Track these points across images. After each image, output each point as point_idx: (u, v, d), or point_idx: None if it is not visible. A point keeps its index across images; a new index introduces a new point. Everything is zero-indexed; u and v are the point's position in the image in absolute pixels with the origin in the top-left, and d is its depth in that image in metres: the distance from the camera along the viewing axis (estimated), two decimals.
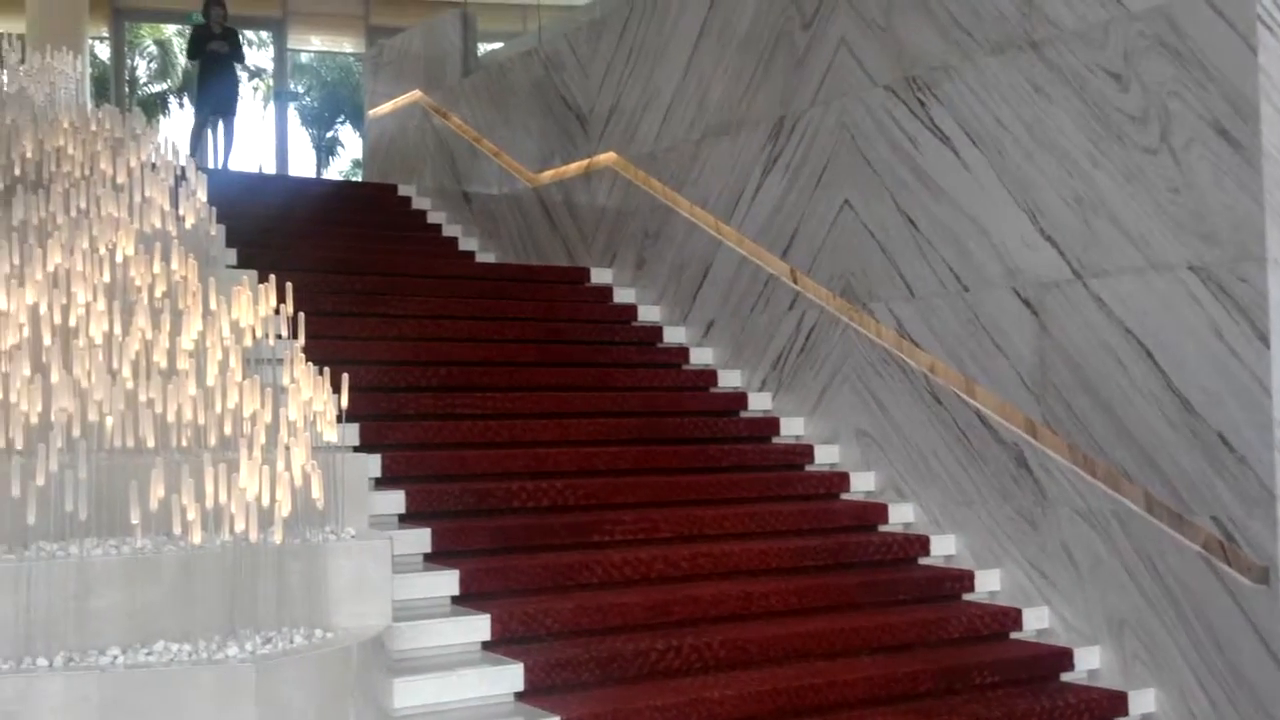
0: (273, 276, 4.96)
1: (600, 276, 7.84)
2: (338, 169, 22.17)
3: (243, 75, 12.01)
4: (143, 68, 20.55)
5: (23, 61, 10.55)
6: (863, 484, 5.94)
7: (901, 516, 5.72)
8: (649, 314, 7.39)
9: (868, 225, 6.02)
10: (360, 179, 17.78)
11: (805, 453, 6.13)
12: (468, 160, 9.80)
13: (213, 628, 3.61)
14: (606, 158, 8.01)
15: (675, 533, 5.18)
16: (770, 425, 6.35)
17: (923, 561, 5.49)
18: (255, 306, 4.80)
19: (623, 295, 7.61)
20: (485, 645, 4.20)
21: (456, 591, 4.43)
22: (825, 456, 6.13)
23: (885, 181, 5.92)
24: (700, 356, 6.99)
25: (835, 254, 6.21)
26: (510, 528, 4.94)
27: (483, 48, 10.70)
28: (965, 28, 5.54)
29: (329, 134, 22.16)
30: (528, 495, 5.16)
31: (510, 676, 3.97)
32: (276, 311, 4.80)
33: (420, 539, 4.67)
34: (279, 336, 4.83)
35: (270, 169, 17.91)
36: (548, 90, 8.75)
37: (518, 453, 5.50)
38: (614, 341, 6.99)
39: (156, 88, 20.53)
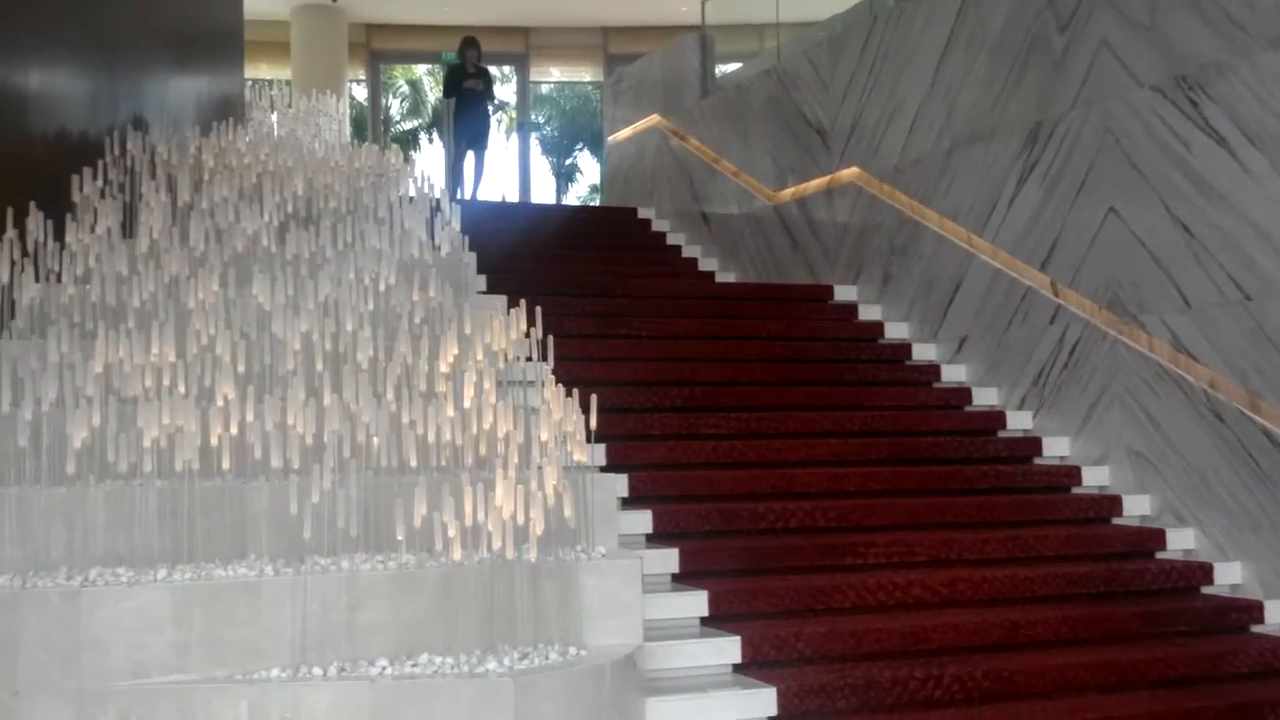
0: (523, 301, 5.14)
1: (844, 294, 7.74)
2: (575, 195, 22.83)
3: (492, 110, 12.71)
4: (395, 106, 21.79)
5: (289, 106, 11.42)
6: (1137, 508, 5.60)
7: (1181, 542, 5.35)
8: (896, 331, 7.23)
9: (1136, 233, 5.69)
10: (597, 204, 18.27)
11: (1071, 474, 5.83)
12: (706, 181, 9.89)
13: (472, 642, 3.75)
14: (849, 173, 7.91)
15: (931, 556, 5.03)
16: (1031, 445, 6.08)
17: (1205, 590, 5.12)
18: (507, 331, 4.99)
19: (868, 312, 7.49)
20: (736, 668, 4.18)
21: (706, 612, 4.43)
22: (1094, 478, 5.82)
23: (1155, 187, 5.59)
24: (952, 374, 6.78)
25: (1100, 264, 5.90)
26: (759, 549, 4.92)
27: (720, 69, 10.81)
28: (1239, 22, 5.18)
29: (568, 161, 22.86)
30: (775, 516, 5.13)
31: (764, 700, 3.94)
32: (527, 335, 4.97)
33: (668, 559, 4.71)
34: (529, 359, 5.00)
35: (513, 197, 18.64)
36: (787, 108, 8.73)
37: (764, 473, 5.48)
38: (860, 360, 6.88)
39: (408, 125, 21.73)
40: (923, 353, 6.99)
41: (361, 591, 3.72)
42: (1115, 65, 5.85)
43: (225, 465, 4.05)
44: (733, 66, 11.02)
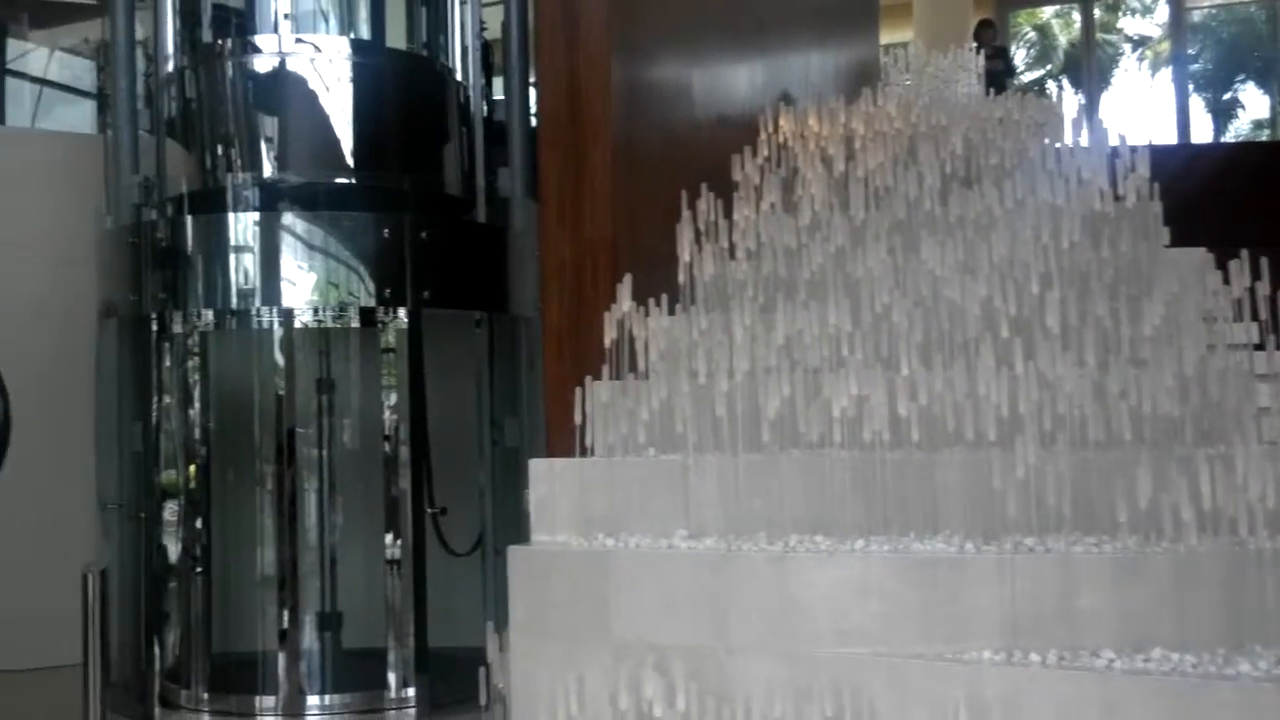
0: (1244, 252, 4.67)
1: None
2: (1233, 133, 20.97)
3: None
4: (1019, 56, 21.31)
5: (926, 65, 11.52)
6: None
7: None
8: None
9: None
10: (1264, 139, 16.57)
11: None
12: None
13: (1212, 639, 3.49)
14: None
15: None
16: None
17: None
18: (1225, 287, 4.58)
19: None
20: None
21: None
22: None
23: None
24: None
25: None
26: None
27: None
28: None
29: (1225, 96, 21.06)
30: None
31: None
32: (1251, 291, 4.51)
33: None
34: (1255, 320, 4.54)
35: (1161, 139, 17.46)
36: None
37: None
38: None
39: (1033, 75, 21.14)
40: None
41: (1076, 576, 3.59)
42: None
43: (914, 436, 4.11)
44: None
